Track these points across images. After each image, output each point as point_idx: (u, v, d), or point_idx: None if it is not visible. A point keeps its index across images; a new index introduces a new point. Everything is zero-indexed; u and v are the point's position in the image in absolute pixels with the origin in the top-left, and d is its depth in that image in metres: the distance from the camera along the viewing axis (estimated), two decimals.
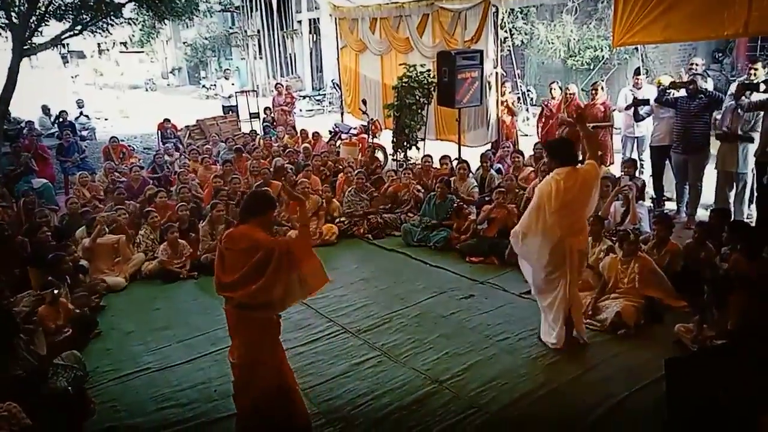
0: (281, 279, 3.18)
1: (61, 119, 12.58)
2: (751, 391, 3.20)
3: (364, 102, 10.80)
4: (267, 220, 3.39)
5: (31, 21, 9.62)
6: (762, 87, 5.96)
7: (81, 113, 14.82)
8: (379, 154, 9.97)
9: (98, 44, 34.75)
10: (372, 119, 10.65)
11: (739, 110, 6.25)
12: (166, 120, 12.44)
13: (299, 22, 24.06)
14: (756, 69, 6.56)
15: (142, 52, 35.17)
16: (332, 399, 4.04)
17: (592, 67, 14.12)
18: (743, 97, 6.15)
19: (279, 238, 3.32)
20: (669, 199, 7.58)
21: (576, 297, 4.46)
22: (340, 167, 8.95)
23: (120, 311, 5.76)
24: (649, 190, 7.73)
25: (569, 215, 4.16)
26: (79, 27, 10.33)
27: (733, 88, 7.06)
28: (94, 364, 4.66)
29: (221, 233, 3.52)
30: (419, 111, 9.45)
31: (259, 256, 3.15)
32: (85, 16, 10.30)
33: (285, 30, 24.62)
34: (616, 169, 7.74)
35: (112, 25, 10.93)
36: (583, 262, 4.51)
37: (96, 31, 10.77)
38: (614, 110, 8.15)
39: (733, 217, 6.07)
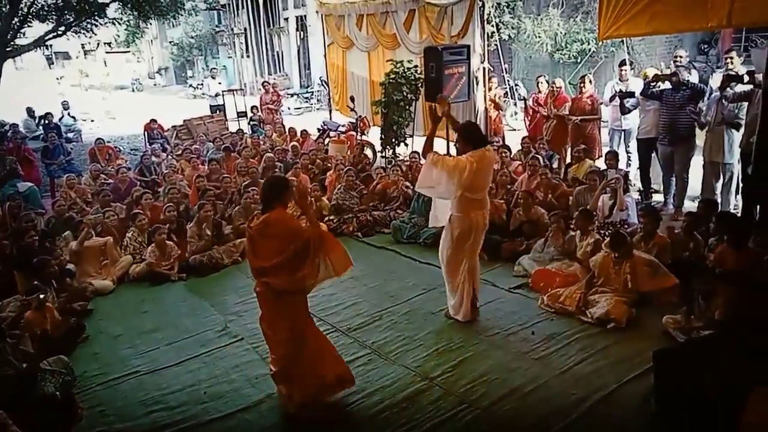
0: (315, 264, 3.48)
1: (46, 121, 12.46)
2: (738, 381, 3.22)
3: (352, 99, 10.78)
4: (286, 201, 3.62)
5: (14, 22, 9.53)
6: (746, 78, 6.02)
7: (67, 114, 14.68)
8: (368, 152, 9.95)
9: (83, 45, 34.48)
10: (360, 116, 10.62)
11: (724, 101, 6.30)
12: (153, 120, 12.35)
13: (286, 19, 23.95)
14: (732, 58, 6.71)
15: (128, 52, 34.91)
16: None
17: (579, 61, 14.16)
18: (728, 89, 6.20)
19: (308, 227, 3.58)
20: (656, 191, 7.62)
21: (476, 267, 4.89)
22: (329, 165, 8.93)
23: (108, 314, 5.71)
24: (637, 183, 7.78)
25: (477, 192, 4.60)
26: (62, 28, 10.25)
27: (715, 78, 7.13)
28: (82, 368, 4.61)
29: (249, 219, 3.71)
30: (407, 107, 9.44)
31: (298, 245, 3.42)
32: (68, 17, 10.23)
33: (272, 28, 24.50)
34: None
35: (97, 26, 10.86)
36: (482, 236, 4.85)
37: (80, 32, 10.71)
38: (602, 103, 8.18)
39: (720, 207, 6.11)
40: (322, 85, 17.84)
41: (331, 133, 11.40)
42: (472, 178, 4.47)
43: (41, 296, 4.88)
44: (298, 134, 11.01)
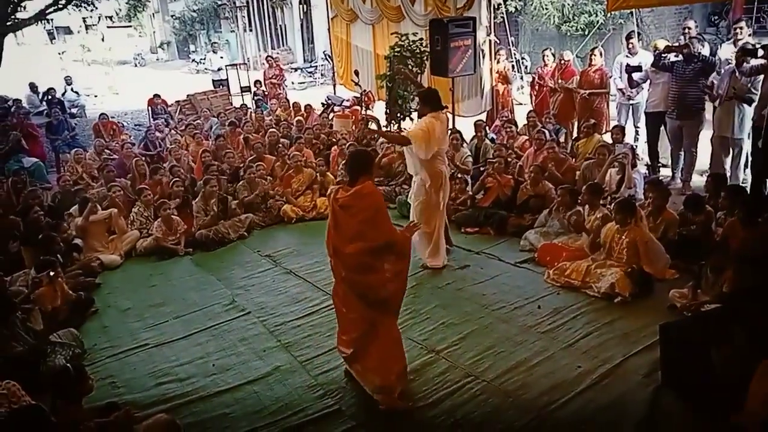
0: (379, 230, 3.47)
1: (49, 96, 12.39)
2: (744, 355, 3.23)
3: (357, 73, 10.65)
4: (372, 173, 3.70)
5: None
6: (760, 52, 5.90)
7: (70, 90, 14.60)
8: (373, 126, 9.87)
9: (84, 19, 34.07)
10: (365, 90, 10.52)
11: (737, 74, 6.20)
12: (156, 95, 12.29)
13: None
14: (741, 28, 6.58)
15: (130, 26, 34.49)
16: (330, 370, 4.06)
17: (586, 33, 13.92)
18: (744, 63, 6.09)
19: (400, 232, 3.66)
20: (664, 166, 7.55)
21: (444, 213, 5.54)
22: (333, 140, 8.87)
23: (116, 289, 5.75)
24: (644, 157, 7.71)
25: (442, 146, 5.25)
26: (63, 1, 10.12)
27: (723, 50, 7.00)
28: (92, 341, 4.68)
29: (335, 192, 3.68)
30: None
31: (383, 239, 3.42)
32: None
33: (274, 1, 24.15)
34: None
35: None
36: (449, 185, 5.59)
37: (81, 5, 10.57)
38: (610, 77, 8.06)
39: (729, 182, 6.05)
40: (326, 59, 17.67)
41: (336, 108, 11.31)
42: (438, 135, 5.05)
43: (51, 273, 4.90)
44: (303, 109, 10.93)
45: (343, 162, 3.70)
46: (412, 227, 3.94)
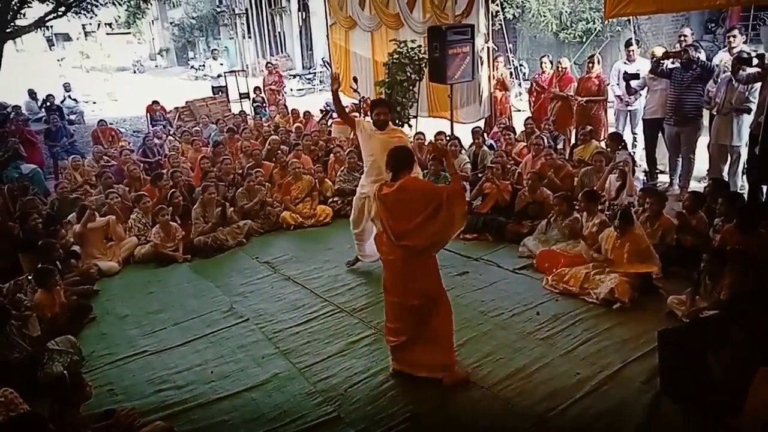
0: (449, 219, 3.60)
1: (48, 103, 12.41)
2: (742, 361, 3.23)
3: (356, 80, 10.67)
4: (412, 167, 3.83)
5: (14, 2, 9.45)
6: (755, 61, 5.94)
7: (68, 97, 14.62)
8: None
9: (83, 26, 34.20)
10: (363, 97, 10.54)
11: (734, 83, 6.23)
12: (155, 102, 12.30)
13: None
14: (734, 36, 6.61)
15: (129, 33, 34.62)
16: (328, 377, 4.05)
17: (584, 40, 14.00)
18: (740, 71, 6.13)
19: (440, 185, 3.84)
20: (662, 172, 7.58)
21: None
22: (332, 146, 8.89)
23: (114, 295, 5.74)
24: (642, 164, 7.73)
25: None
26: (62, 8, 10.15)
27: (719, 57, 7.04)
28: (90, 348, 4.66)
29: (378, 188, 3.83)
30: (411, 88, 9.35)
31: (434, 203, 3.55)
32: None
33: (273, 8, 24.26)
34: None
35: (97, 6, 10.77)
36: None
37: (80, 12, 10.61)
38: (608, 84, 8.09)
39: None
40: (325, 65, 17.71)
41: (334, 115, 11.32)
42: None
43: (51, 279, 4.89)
44: (301, 115, 10.95)
45: (385, 159, 3.80)
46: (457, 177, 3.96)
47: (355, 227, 5.61)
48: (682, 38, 7.19)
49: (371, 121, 5.27)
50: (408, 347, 3.88)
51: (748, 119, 6.26)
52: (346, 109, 11.12)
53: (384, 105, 5.49)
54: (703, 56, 6.94)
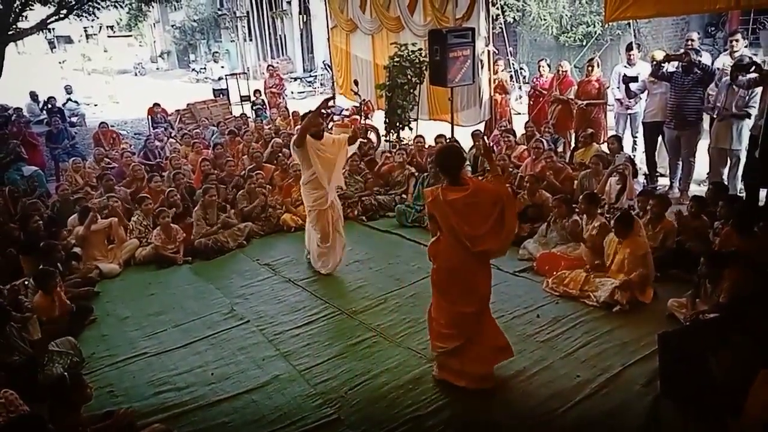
0: (513, 220, 3.60)
1: (49, 105, 12.44)
2: (743, 364, 3.23)
3: (356, 83, 10.71)
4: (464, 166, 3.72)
5: (15, 5, 9.47)
6: (752, 68, 5.96)
7: (70, 99, 14.65)
8: (372, 136, 9.92)
9: (85, 29, 34.28)
10: (364, 100, 10.57)
11: (734, 87, 6.24)
12: (156, 104, 12.33)
13: (288, 2, 23.76)
14: (736, 41, 6.62)
15: (130, 36, 34.69)
16: (329, 380, 4.05)
17: (584, 44, 14.02)
18: (739, 77, 6.14)
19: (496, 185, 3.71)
20: (662, 175, 7.59)
21: None
22: None
23: (115, 297, 5.74)
24: (642, 167, 7.74)
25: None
26: (64, 11, 10.18)
27: (720, 60, 7.05)
28: (90, 350, 4.67)
29: (443, 193, 3.57)
30: (411, 91, 9.38)
31: (500, 205, 3.50)
32: (70, 0, 10.16)
33: (274, 11, 24.32)
34: None
35: (99, 9, 10.79)
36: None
37: (82, 15, 10.63)
38: (608, 87, 8.11)
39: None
40: (326, 68, 17.74)
41: (335, 117, 11.34)
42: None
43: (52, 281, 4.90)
44: (302, 118, 10.95)
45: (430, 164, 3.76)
46: (500, 178, 3.91)
47: (324, 241, 5.66)
48: (689, 42, 7.20)
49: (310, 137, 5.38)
50: (457, 353, 3.78)
51: (748, 123, 6.27)
52: (347, 112, 11.24)
53: (319, 117, 5.63)
54: (707, 59, 6.95)
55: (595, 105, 8.08)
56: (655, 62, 7.09)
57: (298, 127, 10.13)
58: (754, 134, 6.08)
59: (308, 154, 5.35)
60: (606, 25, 12.70)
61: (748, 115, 6.26)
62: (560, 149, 8.16)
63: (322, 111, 5.71)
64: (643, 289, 4.76)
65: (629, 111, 7.99)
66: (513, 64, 11.93)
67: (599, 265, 5.10)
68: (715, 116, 6.63)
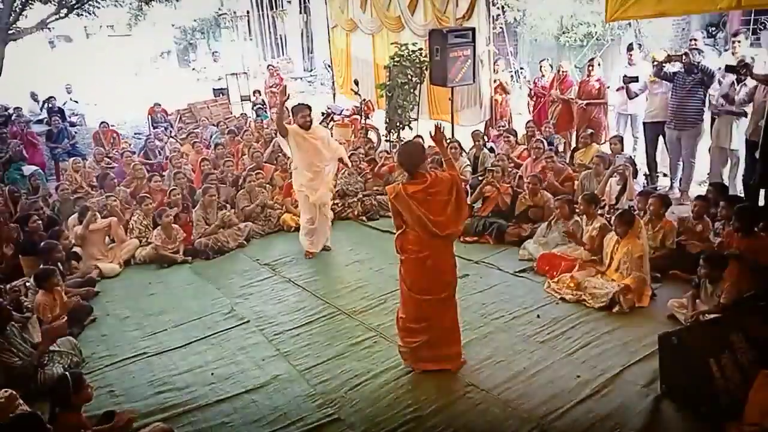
0: (463, 201, 3.89)
1: (49, 105, 12.42)
2: (743, 365, 3.23)
3: (356, 82, 10.70)
4: (425, 161, 3.99)
5: (15, 5, 9.47)
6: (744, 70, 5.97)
7: (70, 98, 14.63)
8: (372, 135, 9.91)
9: (85, 28, 34.21)
10: (364, 100, 10.56)
11: (736, 84, 6.25)
12: (157, 104, 12.32)
13: (289, 1, 23.71)
14: (738, 42, 6.62)
15: (130, 35, 34.63)
16: (329, 380, 4.05)
17: (585, 44, 14.00)
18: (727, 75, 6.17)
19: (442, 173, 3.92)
20: (663, 175, 7.58)
21: None
22: None
23: (115, 297, 5.74)
24: (643, 167, 7.74)
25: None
26: (64, 10, 10.18)
27: (723, 58, 7.06)
28: (90, 350, 4.67)
29: (403, 187, 3.84)
30: (411, 90, 9.37)
31: (453, 189, 3.79)
32: None
33: (275, 10, 24.29)
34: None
35: (99, 8, 10.77)
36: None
37: (82, 14, 10.63)
38: (608, 87, 8.10)
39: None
40: (326, 68, 17.71)
41: (336, 117, 11.34)
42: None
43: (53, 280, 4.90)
44: None
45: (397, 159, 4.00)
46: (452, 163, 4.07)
47: (311, 223, 6.16)
48: (694, 42, 7.20)
49: (297, 125, 5.85)
50: (428, 345, 3.95)
51: (745, 122, 6.28)
52: (347, 112, 11.23)
53: (307, 108, 5.96)
54: (709, 60, 6.95)
55: (595, 105, 8.07)
56: (656, 62, 7.08)
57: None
58: (751, 138, 6.04)
59: (293, 142, 5.85)
60: (607, 26, 12.67)
61: (745, 114, 6.26)
62: (561, 149, 8.15)
63: (285, 105, 6.11)
64: (640, 294, 4.75)
65: (629, 112, 7.97)
66: (513, 64, 11.91)
67: (599, 265, 5.10)
68: (715, 113, 6.64)
